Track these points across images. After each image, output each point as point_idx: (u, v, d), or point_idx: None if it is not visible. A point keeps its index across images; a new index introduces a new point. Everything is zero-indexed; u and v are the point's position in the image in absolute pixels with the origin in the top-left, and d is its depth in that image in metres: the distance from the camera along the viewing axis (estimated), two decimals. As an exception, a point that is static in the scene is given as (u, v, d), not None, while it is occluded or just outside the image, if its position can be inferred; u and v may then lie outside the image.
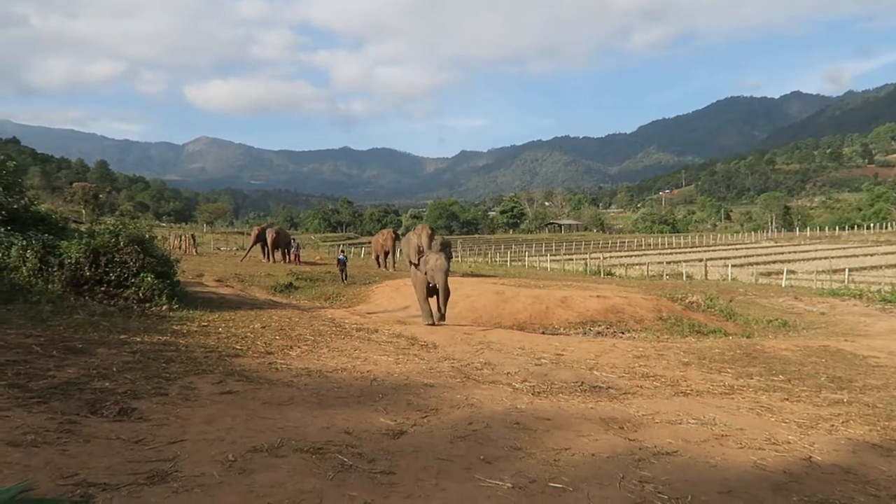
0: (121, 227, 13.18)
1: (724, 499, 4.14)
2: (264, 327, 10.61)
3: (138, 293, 11.90)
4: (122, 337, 8.53)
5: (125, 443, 4.39)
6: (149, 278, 12.06)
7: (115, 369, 6.50)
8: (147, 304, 11.68)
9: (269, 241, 28.47)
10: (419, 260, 13.69)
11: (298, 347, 9.08)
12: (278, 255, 28.99)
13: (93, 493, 3.47)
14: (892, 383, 8.87)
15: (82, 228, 15.18)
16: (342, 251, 26.80)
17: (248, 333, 9.84)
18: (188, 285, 15.91)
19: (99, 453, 4.15)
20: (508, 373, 8.57)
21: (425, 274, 13.43)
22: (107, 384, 5.89)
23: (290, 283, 21.61)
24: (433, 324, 12.95)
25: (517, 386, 7.71)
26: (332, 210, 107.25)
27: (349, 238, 72.76)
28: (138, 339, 8.43)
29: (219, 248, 44.08)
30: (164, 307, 11.67)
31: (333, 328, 11.34)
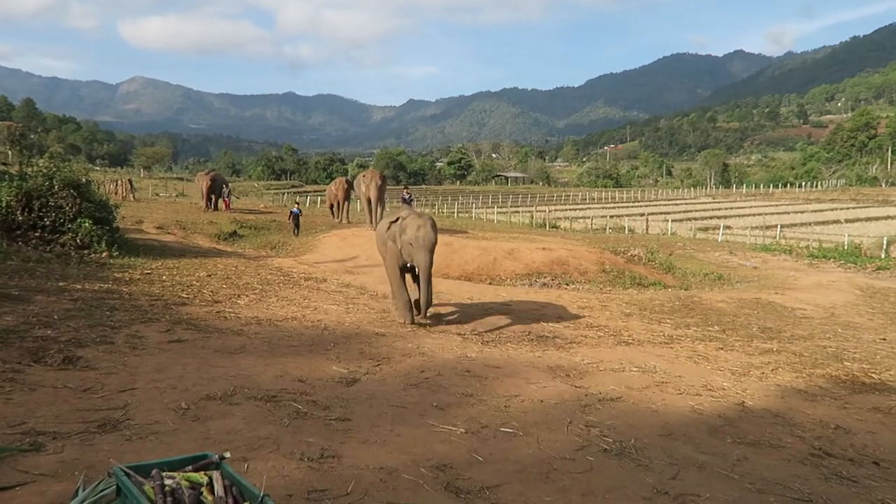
0: (55, 169, 12.59)
1: (664, 441, 4.37)
2: (210, 276, 10.42)
3: (76, 239, 11.47)
4: (60, 284, 8.26)
5: (73, 391, 4.31)
6: (86, 224, 11.62)
7: (56, 317, 6.31)
8: (85, 251, 11.29)
9: (203, 186, 27.31)
10: (390, 225, 8.61)
11: (246, 296, 8.98)
12: (214, 201, 27.83)
13: (42, 442, 3.42)
14: (818, 333, 9.41)
15: (12, 171, 14.39)
16: (297, 203, 25.94)
17: (194, 282, 9.65)
18: (127, 232, 15.40)
19: (46, 402, 4.07)
20: (458, 322, 8.71)
21: (400, 249, 8.34)
22: (49, 332, 5.73)
23: (235, 232, 21.17)
24: (412, 322, 8.27)
25: (467, 335, 7.86)
26: (277, 157, 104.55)
27: (294, 186, 71.25)
28: (78, 287, 8.18)
29: (157, 194, 42.67)
30: (104, 254, 11.30)
31: (281, 277, 11.23)
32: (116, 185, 32.18)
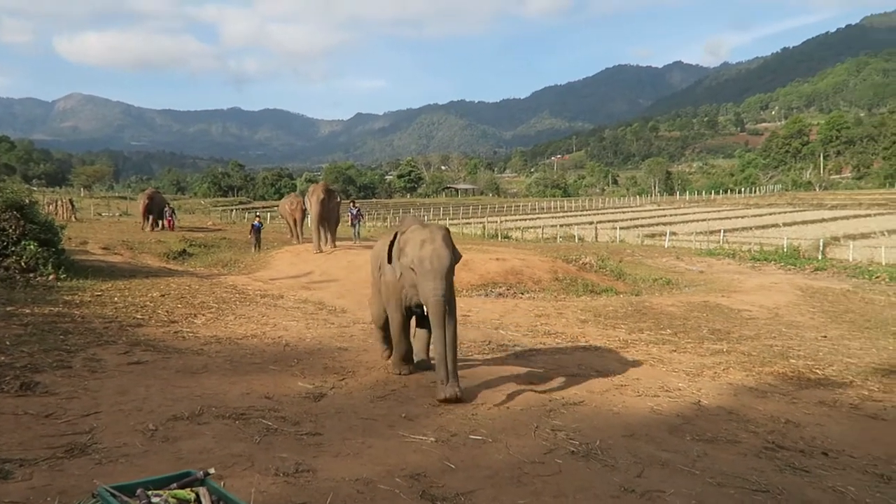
0: (-5, 191, 12.16)
1: (628, 441, 4.53)
2: (163, 296, 10.23)
3: (20, 262, 11.08)
4: (8, 309, 7.99)
5: (34, 417, 4.22)
6: (32, 246, 11.25)
7: (7, 343, 6.13)
8: (31, 274, 10.91)
9: (141, 205, 26.55)
10: (389, 245, 6.02)
11: (203, 315, 8.85)
12: (152, 221, 26.93)
13: (10, 469, 3.35)
14: (764, 333, 9.81)
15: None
16: (257, 216, 25.18)
17: (148, 302, 9.47)
18: (73, 254, 14.94)
19: (7, 429, 3.97)
20: (418, 334, 8.78)
21: (399, 279, 5.78)
22: (2, 358, 5.56)
23: (184, 250, 20.75)
24: (408, 374, 6.15)
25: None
26: (223, 174, 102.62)
27: (241, 203, 70.21)
28: (27, 311, 7.94)
29: (100, 214, 41.39)
30: (51, 277, 10.95)
31: (237, 295, 11.10)
32: (56, 205, 31.14)
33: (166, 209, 27.84)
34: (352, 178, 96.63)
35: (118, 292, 10.20)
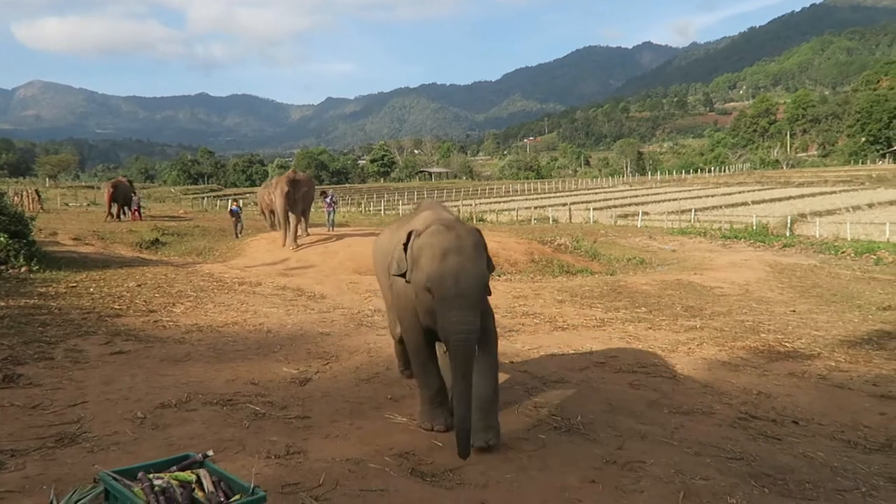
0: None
1: (608, 416, 4.67)
2: (140, 285, 10.15)
3: (-10, 255, 10.92)
4: (-18, 302, 7.90)
5: (21, 409, 4.22)
6: (2, 238, 11.07)
7: (-15, 336, 6.08)
8: (3, 267, 10.74)
9: (105, 195, 25.88)
10: (405, 245, 4.12)
11: (181, 304, 8.82)
12: (120, 210, 26.21)
13: (2, 460, 3.37)
14: (735, 309, 10.07)
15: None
16: (234, 201, 24.53)
17: (125, 292, 9.40)
18: (43, 245, 14.71)
19: (-5, 421, 3.98)
20: (398, 318, 8.85)
21: (416, 296, 4.08)
22: (-19, 352, 5.52)
23: (157, 239, 20.48)
24: (446, 430, 4.16)
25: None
26: (192, 161, 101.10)
27: (213, 190, 69.24)
28: (2, 304, 7.84)
29: (67, 204, 40.60)
30: (24, 269, 10.79)
31: (214, 283, 11.04)
32: (22, 196, 30.48)
33: (134, 198, 27.18)
34: (324, 164, 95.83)
35: (93, 283, 10.09)
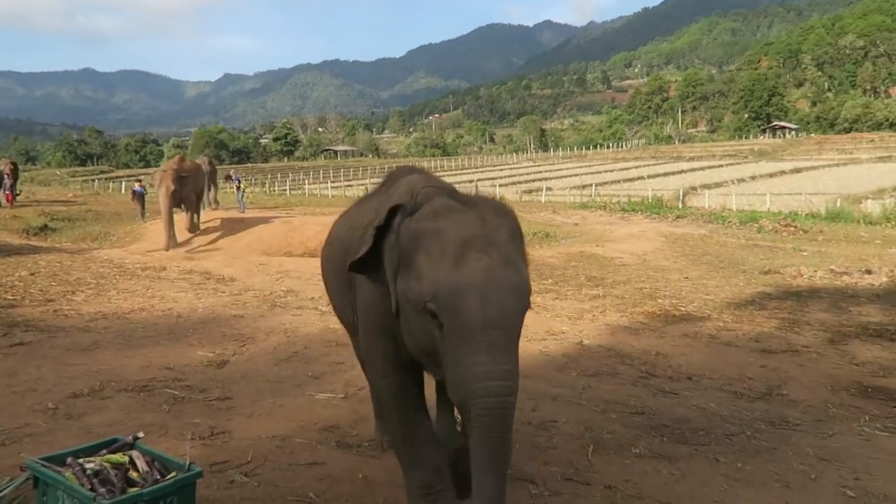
0: None
1: (522, 381, 4.79)
2: (33, 274, 9.59)
3: None
4: None
5: (-83, 407, 4.00)
6: None
7: None
8: None
9: None
10: (378, 228, 2.26)
11: (82, 292, 8.44)
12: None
13: None
14: (634, 278, 10.68)
15: None
16: (138, 181, 23.04)
17: (17, 282, 8.86)
18: (-84, 234, 13.61)
19: None
20: (312, 298, 8.80)
21: (394, 310, 2.26)
22: None
23: (45, 225, 19.25)
24: None
25: (324, 309, 8.01)
26: (79, 141, 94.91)
27: (103, 172, 65.37)
28: None
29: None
30: None
31: (115, 269, 10.58)
32: None
33: (5, 180, 24.71)
34: (224, 143, 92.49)
35: (-21, 273, 9.46)
